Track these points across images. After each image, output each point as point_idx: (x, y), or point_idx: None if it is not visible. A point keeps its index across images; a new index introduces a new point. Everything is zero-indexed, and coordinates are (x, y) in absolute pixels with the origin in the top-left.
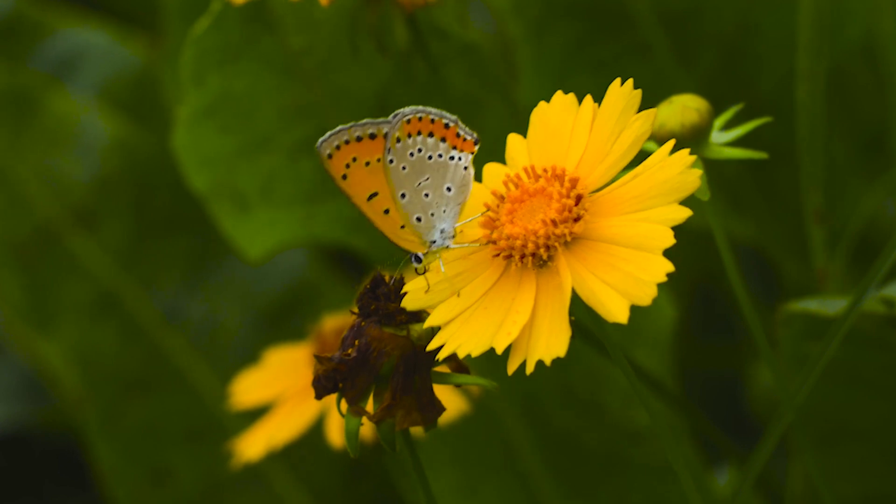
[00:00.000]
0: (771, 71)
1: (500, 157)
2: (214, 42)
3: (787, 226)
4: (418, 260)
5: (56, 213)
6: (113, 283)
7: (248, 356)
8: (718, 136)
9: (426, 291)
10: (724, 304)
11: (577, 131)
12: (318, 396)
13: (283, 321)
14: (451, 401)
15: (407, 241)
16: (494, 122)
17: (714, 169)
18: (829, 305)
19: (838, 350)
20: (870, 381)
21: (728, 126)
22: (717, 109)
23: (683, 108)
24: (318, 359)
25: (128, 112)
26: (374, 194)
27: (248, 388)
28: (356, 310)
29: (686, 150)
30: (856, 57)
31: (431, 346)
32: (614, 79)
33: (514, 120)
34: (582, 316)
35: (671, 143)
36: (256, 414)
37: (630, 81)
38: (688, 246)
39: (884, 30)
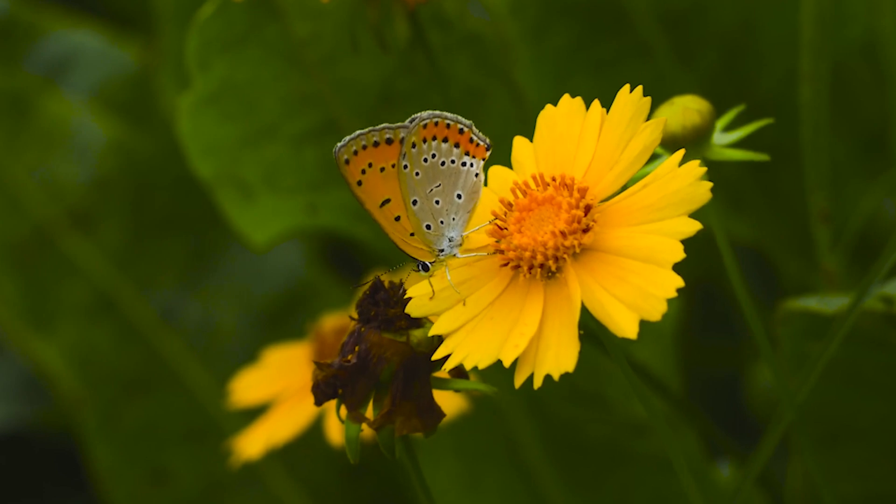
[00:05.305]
0: (772, 70)
1: (503, 149)
2: (219, 28)
3: (787, 226)
4: (426, 268)
5: (52, 214)
6: (110, 284)
7: (246, 357)
8: (720, 138)
9: (430, 298)
10: (724, 304)
11: (585, 137)
12: (318, 403)
13: (280, 322)
14: (452, 400)
15: (415, 249)
16: (498, 112)
17: (714, 169)
18: (829, 303)
19: (838, 350)
20: (870, 381)
21: (729, 126)
22: (717, 109)
23: (685, 109)
24: (318, 365)
25: (123, 114)
26: (387, 200)
27: (247, 387)
28: (356, 315)
29: (696, 162)
30: (856, 56)
31: (437, 356)
32: (614, 80)
33: (517, 111)
34: (584, 316)
35: (681, 154)
36: (254, 414)
37: (639, 88)
38: (688, 246)
39: (884, 29)
